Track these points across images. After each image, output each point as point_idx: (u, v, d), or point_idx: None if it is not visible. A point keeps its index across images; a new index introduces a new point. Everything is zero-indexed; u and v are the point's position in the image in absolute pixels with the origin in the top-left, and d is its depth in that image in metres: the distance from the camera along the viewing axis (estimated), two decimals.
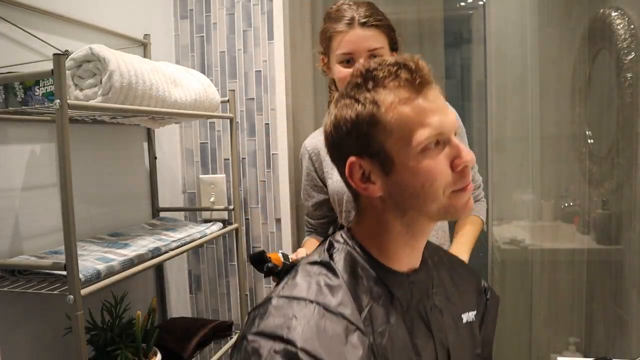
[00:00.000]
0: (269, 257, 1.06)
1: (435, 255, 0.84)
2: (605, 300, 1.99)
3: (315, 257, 0.73)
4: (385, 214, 0.71)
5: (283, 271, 1.08)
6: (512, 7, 2.09)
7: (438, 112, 0.66)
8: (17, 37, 1.14)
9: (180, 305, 1.83)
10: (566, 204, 2.11)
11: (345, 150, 0.70)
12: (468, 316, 0.82)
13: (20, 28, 1.14)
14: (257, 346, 0.59)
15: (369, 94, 0.67)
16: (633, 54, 1.76)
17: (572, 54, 2.04)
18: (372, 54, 1.15)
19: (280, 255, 1.09)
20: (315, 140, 1.34)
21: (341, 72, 1.18)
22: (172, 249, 1.29)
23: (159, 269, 1.68)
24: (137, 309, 1.30)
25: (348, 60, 1.17)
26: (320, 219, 1.40)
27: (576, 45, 2.03)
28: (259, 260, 1.05)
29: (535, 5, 2.03)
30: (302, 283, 0.67)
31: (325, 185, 1.34)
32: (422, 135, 0.64)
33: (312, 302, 0.63)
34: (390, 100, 0.65)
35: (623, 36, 1.78)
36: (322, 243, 0.77)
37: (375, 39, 1.15)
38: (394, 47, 1.22)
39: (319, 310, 0.62)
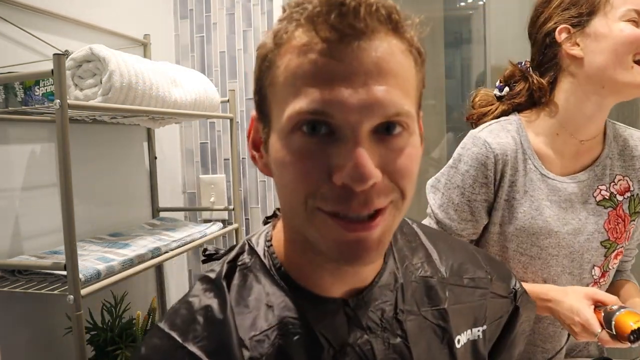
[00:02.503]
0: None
1: (418, 253, 0.60)
2: None
3: (216, 267, 0.55)
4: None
5: None
6: (512, 7, 2.09)
7: (341, 81, 0.41)
8: (17, 37, 1.14)
9: None
10: None
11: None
12: (470, 334, 0.60)
13: (20, 28, 1.14)
14: None
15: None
16: None
17: None
18: None
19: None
20: (505, 141, 0.91)
21: (629, 30, 0.83)
22: (172, 249, 1.29)
23: (159, 269, 1.68)
24: (137, 309, 1.30)
25: (635, 20, 0.85)
26: None
27: None
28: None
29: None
30: (182, 311, 0.51)
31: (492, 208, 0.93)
32: (294, 107, 0.43)
33: (182, 347, 0.48)
34: (293, 42, 0.44)
35: None
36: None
37: None
38: None
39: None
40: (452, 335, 0.57)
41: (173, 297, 1.78)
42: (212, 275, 0.53)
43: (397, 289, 0.55)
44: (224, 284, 0.52)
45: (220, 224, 1.57)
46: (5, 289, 0.99)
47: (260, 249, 0.55)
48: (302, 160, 0.43)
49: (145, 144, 1.64)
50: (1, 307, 1.07)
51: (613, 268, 0.97)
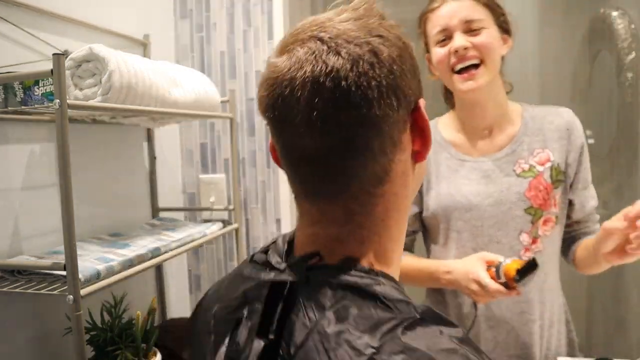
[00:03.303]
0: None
1: None
2: (605, 300, 1.99)
3: (448, 333, 0.44)
4: (398, 214, 0.54)
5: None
6: (512, 7, 2.09)
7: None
8: (16, 37, 1.14)
9: (180, 305, 1.83)
10: None
11: (407, 91, 0.50)
12: None
13: (20, 28, 1.14)
14: None
15: None
16: (633, 54, 1.76)
17: (573, 54, 2.04)
18: (470, 27, 0.99)
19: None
20: None
21: (437, 54, 1.02)
22: (172, 249, 1.28)
23: (158, 269, 1.68)
24: (137, 309, 1.30)
25: (444, 39, 1.01)
26: (410, 235, 1.18)
27: (576, 45, 2.03)
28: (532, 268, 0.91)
29: (535, 6, 2.03)
30: None
31: (421, 195, 1.13)
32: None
33: None
34: None
35: (623, 36, 1.78)
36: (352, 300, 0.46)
37: (472, 9, 0.99)
38: (503, 27, 1.04)
39: None
40: None
41: (173, 297, 1.78)
42: (458, 334, 0.44)
43: None
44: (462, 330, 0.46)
45: (220, 224, 1.57)
46: (4, 289, 0.99)
47: (388, 287, 0.47)
48: None
49: (145, 144, 1.64)
50: (1, 307, 1.07)
51: (545, 235, 1.06)
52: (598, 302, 2.02)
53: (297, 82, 0.46)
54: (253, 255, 0.57)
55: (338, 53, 0.46)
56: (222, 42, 1.77)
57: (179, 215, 1.80)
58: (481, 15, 1.00)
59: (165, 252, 1.26)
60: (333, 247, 0.50)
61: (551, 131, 1.06)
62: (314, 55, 0.46)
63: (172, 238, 1.34)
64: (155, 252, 1.22)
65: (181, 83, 1.29)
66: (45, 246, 1.18)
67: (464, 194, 1.06)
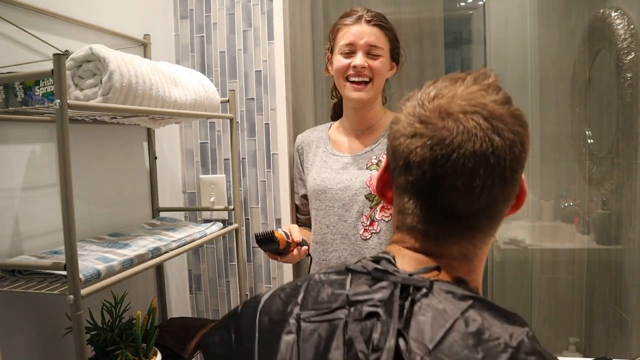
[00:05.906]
0: (277, 237, 1.23)
1: None
2: (605, 300, 2.00)
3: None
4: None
5: (285, 250, 1.22)
6: (512, 7, 2.10)
7: None
8: (17, 37, 1.14)
9: (180, 305, 1.83)
10: (566, 204, 2.12)
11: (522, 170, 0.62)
12: None
13: (20, 28, 1.14)
14: None
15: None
16: (633, 54, 1.77)
17: (572, 54, 2.04)
18: (371, 51, 1.25)
19: (282, 233, 1.22)
20: (306, 135, 1.47)
21: (339, 61, 1.28)
22: (172, 249, 1.29)
23: (159, 269, 1.68)
24: (137, 308, 1.30)
25: (349, 52, 1.26)
26: (308, 214, 1.45)
27: (576, 45, 2.03)
28: (269, 240, 1.20)
29: (535, 5, 2.03)
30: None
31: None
32: None
33: None
34: None
35: (623, 36, 1.79)
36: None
37: (377, 38, 1.25)
38: (395, 57, 1.32)
39: None
40: None
41: (173, 297, 1.78)
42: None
43: None
44: None
45: (220, 224, 1.58)
46: (5, 289, 0.99)
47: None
48: None
49: (145, 144, 1.64)
50: (1, 307, 1.07)
51: (384, 220, 1.27)
52: (598, 302, 2.02)
53: (467, 152, 0.55)
54: (346, 266, 0.62)
55: (499, 135, 0.56)
56: (222, 42, 1.77)
57: (179, 215, 1.80)
58: (382, 44, 1.26)
59: (166, 252, 1.26)
60: (447, 270, 0.59)
61: None
62: (483, 131, 0.55)
63: (172, 238, 1.34)
64: (156, 252, 1.22)
65: (181, 83, 1.29)
66: (45, 246, 1.18)
67: (322, 179, 1.33)
